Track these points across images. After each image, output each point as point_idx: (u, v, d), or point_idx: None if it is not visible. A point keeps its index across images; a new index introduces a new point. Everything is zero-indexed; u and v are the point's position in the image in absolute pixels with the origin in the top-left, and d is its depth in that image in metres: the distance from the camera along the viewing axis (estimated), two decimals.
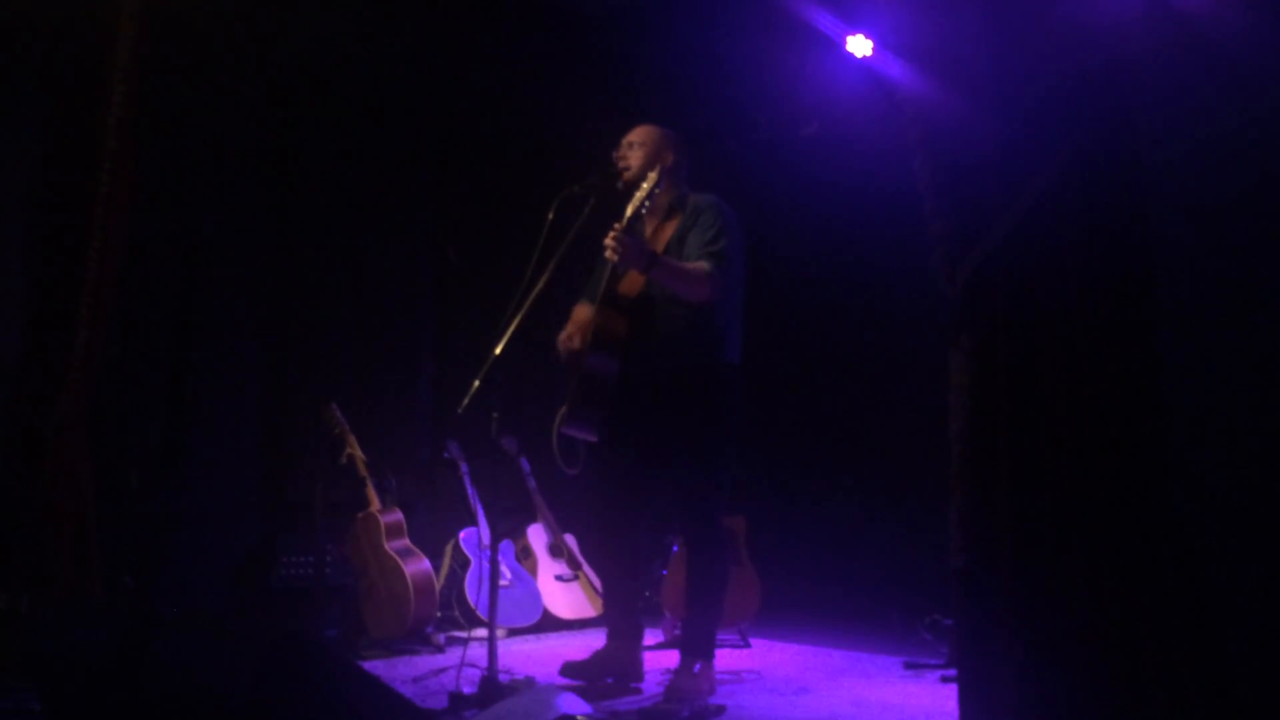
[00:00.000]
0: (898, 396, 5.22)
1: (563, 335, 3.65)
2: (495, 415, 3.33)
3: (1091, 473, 2.38)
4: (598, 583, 4.83)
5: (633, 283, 3.58)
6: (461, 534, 4.75)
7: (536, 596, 4.78)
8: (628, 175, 3.62)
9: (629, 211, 3.46)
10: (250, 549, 4.75)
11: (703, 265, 3.46)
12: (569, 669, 3.58)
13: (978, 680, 2.46)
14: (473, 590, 4.51)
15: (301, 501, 4.69)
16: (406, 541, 4.48)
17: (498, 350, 3.30)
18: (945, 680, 3.69)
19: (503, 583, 4.63)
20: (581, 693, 3.08)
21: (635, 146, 3.65)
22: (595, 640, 3.76)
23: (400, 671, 3.90)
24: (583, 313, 3.68)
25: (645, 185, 3.48)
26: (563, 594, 4.88)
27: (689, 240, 3.55)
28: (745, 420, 3.62)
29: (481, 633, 3.48)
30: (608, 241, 3.34)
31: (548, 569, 4.91)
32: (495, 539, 3.40)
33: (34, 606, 3.50)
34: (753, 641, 4.49)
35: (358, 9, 4.62)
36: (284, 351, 5.06)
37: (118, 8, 3.70)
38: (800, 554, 5.32)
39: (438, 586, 4.47)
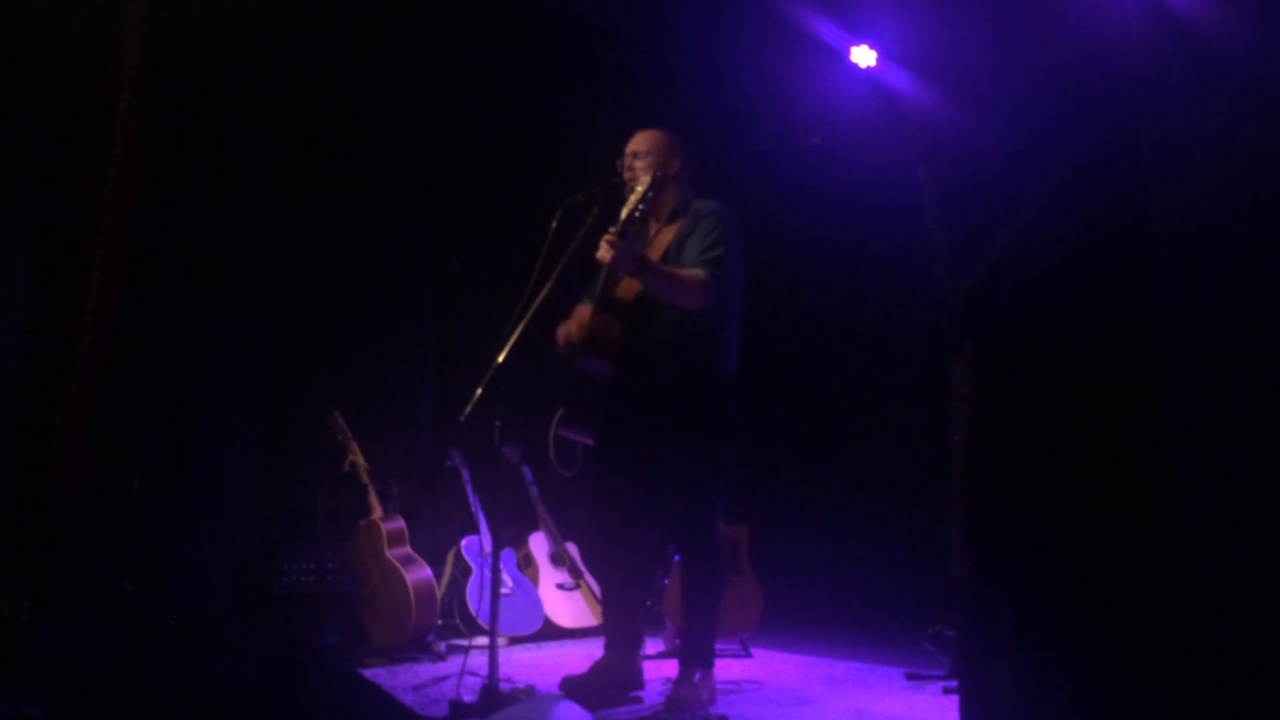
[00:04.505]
0: (900, 407, 5.21)
1: (562, 329, 3.64)
2: (497, 423, 3.34)
3: (1093, 484, 2.38)
4: (599, 591, 4.83)
5: (629, 287, 3.58)
6: (463, 542, 4.75)
7: (538, 605, 4.77)
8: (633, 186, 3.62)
9: (624, 214, 3.46)
10: (252, 556, 4.75)
11: (697, 273, 3.46)
12: (568, 685, 3.55)
13: (979, 691, 2.45)
14: (474, 598, 4.51)
15: (304, 509, 4.70)
16: (408, 549, 4.48)
17: (500, 358, 3.30)
18: (947, 692, 3.68)
19: (504, 591, 4.63)
20: (582, 702, 3.08)
21: (640, 157, 3.64)
22: (597, 649, 3.75)
23: (401, 679, 3.89)
24: (584, 310, 3.67)
25: (640, 189, 3.49)
26: (564, 602, 4.88)
27: (688, 246, 3.55)
28: (741, 430, 3.61)
29: (482, 641, 3.48)
30: (601, 243, 3.35)
31: (549, 577, 4.91)
32: (497, 547, 3.39)
33: (36, 613, 3.50)
34: (754, 651, 4.48)
35: (361, 17, 4.63)
36: (287, 359, 5.07)
37: (124, 17, 3.72)
38: (802, 564, 5.31)
39: (439, 594, 4.47)
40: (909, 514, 4.98)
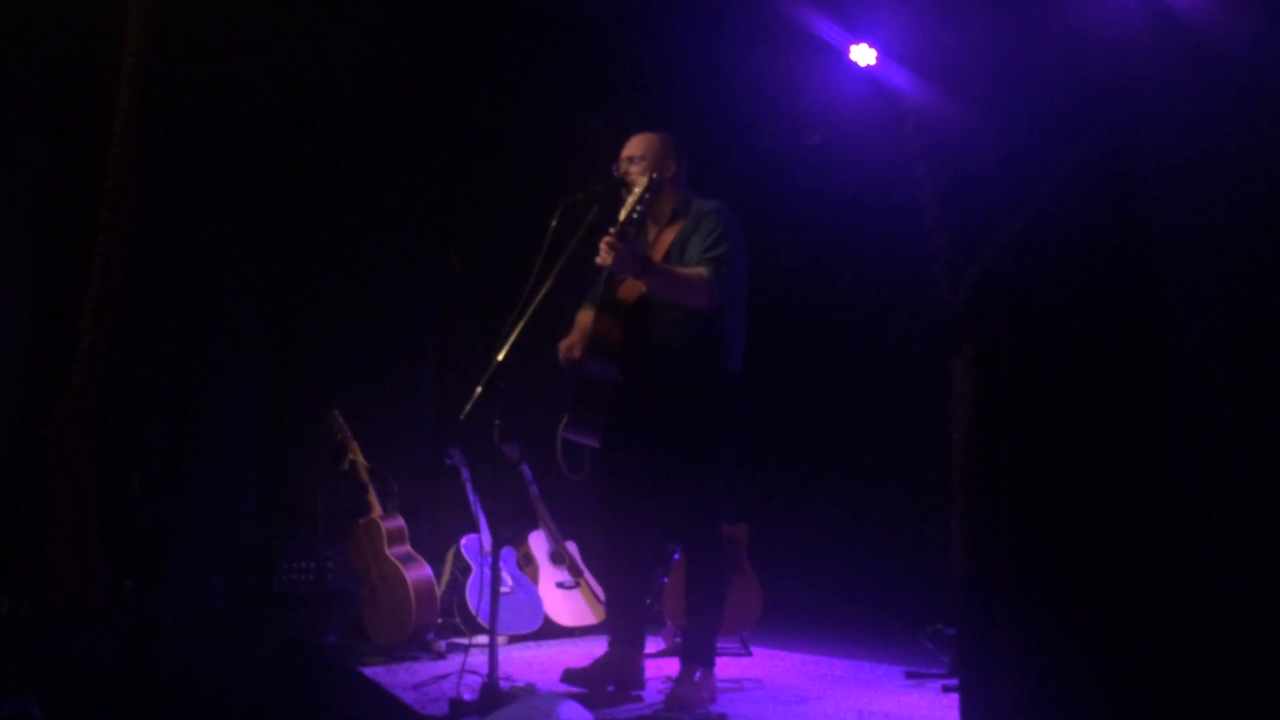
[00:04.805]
0: (900, 405, 5.22)
1: (564, 343, 3.66)
2: (497, 422, 3.34)
3: (1093, 482, 2.38)
4: (599, 590, 4.83)
5: (631, 288, 3.59)
6: (463, 540, 4.75)
7: (538, 603, 4.77)
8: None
9: (622, 216, 3.47)
10: (252, 554, 4.75)
11: (701, 271, 3.47)
12: (570, 676, 3.58)
13: (979, 690, 2.46)
14: (474, 597, 4.51)
15: (303, 507, 4.69)
16: (408, 548, 4.48)
17: (500, 357, 3.30)
18: (947, 690, 3.68)
19: (504, 589, 4.63)
20: (582, 700, 3.08)
21: (635, 161, 3.64)
22: (596, 648, 3.76)
23: (401, 678, 3.89)
24: (586, 319, 3.68)
25: (636, 190, 3.49)
26: (564, 601, 4.88)
27: (690, 245, 3.56)
28: (747, 428, 3.62)
29: (482, 639, 3.48)
30: (601, 246, 3.35)
31: (549, 576, 4.91)
32: (497, 546, 3.39)
33: (36, 611, 3.50)
34: (754, 650, 4.49)
35: (361, 17, 4.63)
36: (287, 357, 5.07)
37: (123, 16, 3.72)
38: (802, 562, 5.31)
39: (439, 593, 4.47)
40: (909, 513, 4.99)
